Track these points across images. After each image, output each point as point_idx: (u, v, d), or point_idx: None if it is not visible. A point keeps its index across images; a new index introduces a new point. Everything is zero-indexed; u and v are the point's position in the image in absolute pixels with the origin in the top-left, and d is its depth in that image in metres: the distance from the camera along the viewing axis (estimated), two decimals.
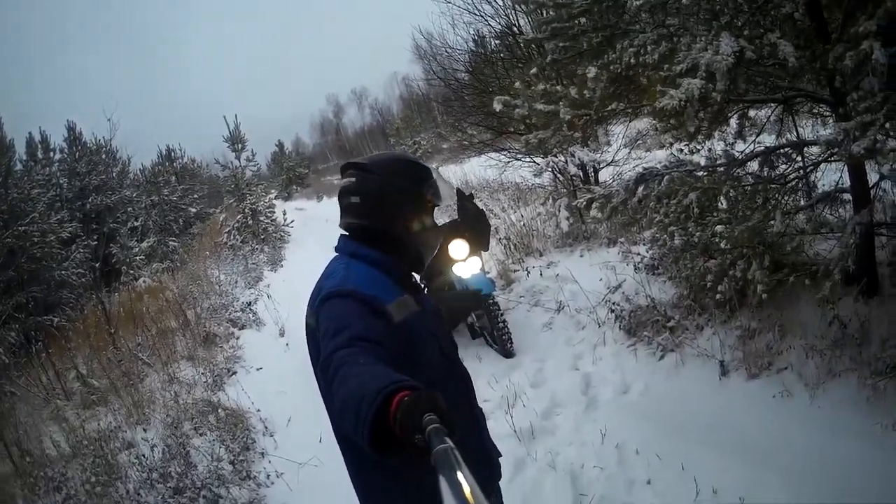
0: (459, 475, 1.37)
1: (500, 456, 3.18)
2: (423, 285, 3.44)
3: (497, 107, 6.35)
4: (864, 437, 4.47)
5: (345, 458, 2.84)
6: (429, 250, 2.95)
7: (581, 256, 9.99)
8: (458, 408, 2.77)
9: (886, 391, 4.65)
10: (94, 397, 9.72)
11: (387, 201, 2.78)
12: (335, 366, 2.15)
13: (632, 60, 5.18)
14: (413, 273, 2.95)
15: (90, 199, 28.19)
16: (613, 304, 7.51)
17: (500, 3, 13.36)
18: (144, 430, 7.92)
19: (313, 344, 2.64)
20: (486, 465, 3.02)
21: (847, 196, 5.59)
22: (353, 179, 2.81)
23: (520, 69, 13.18)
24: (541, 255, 10.75)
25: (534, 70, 6.57)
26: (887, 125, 3.93)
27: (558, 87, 6.16)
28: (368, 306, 2.50)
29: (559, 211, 11.08)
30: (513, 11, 13.19)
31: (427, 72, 18.31)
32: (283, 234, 25.16)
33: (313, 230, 24.85)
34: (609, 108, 5.87)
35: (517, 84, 6.79)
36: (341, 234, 2.92)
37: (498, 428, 5.78)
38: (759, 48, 4.33)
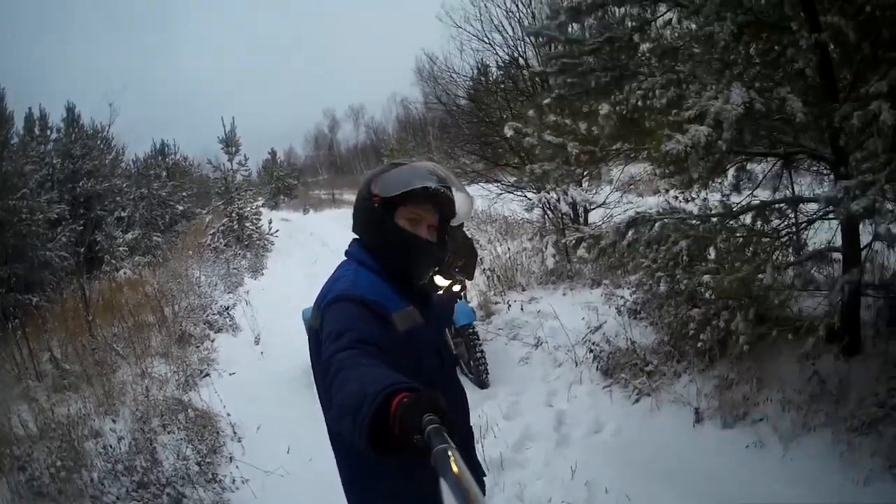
0: (460, 474, 1.38)
1: (485, 475, 3.28)
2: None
3: (508, 132, 6.38)
4: (836, 492, 4.50)
5: (339, 465, 2.83)
6: (400, 255, 2.78)
7: (564, 295, 10.02)
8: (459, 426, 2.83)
9: (861, 447, 4.68)
10: (66, 382, 9.61)
11: (356, 210, 2.84)
12: (335, 368, 2.15)
13: (639, 103, 5.22)
14: (414, 284, 2.88)
15: (81, 183, 28.04)
16: (593, 344, 7.55)
17: (510, 34, 13.46)
18: (113, 421, 7.83)
19: (315, 346, 2.67)
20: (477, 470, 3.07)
21: (837, 255, 5.64)
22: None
23: (521, 102, 13.26)
24: (523, 289, 10.78)
25: (547, 100, 6.59)
26: (887, 186, 3.98)
27: (567, 121, 6.19)
28: (374, 312, 2.51)
29: (546, 248, 11.11)
30: (521, 42, 13.27)
31: (426, 95, 18.41)
32: (266, 242, 25.04)
33: (298, 242, 24.90)
34: (614, 147, 5.91)
35: (530, 112, 6.82)
36: (353, 239, 2.92)
37: None
38: (769, 101, 4.37)
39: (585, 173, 7.97)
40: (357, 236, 2.91)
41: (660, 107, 5.03)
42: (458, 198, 2.87)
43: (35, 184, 22.87)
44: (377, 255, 2.79)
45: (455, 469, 1.41)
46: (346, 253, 2.89)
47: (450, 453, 1.47)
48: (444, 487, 1.37)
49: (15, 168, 20.78)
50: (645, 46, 5.13)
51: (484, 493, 3.14)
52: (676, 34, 5.48)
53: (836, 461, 4.74)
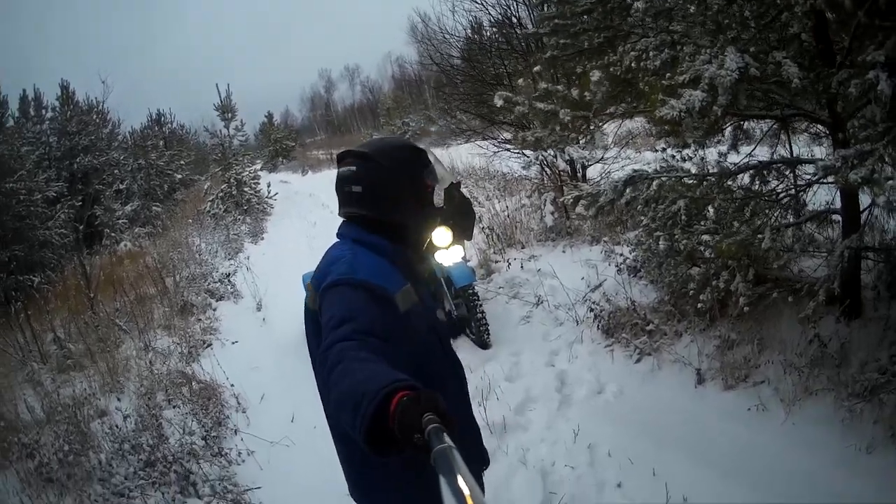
0: (459, 475, 1.38)
1: (487, 466, 3.21)
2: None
3: (498, 102, 6.31)
4: (838, 458, 4.50)
5: (338, 451, 2.84)
6: (428, 234, 2.96)
7: (563, 252, 9.97)
8: (458, 401, 2.88)
9: (862, 414, 4.67)
10: (70, 362, 9.67)
11: (391, 190, 2.74)
12: (334, 359, 2.12)
13: (633, 64, 5.16)
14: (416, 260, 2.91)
15: (78, 160, 28.08)
16: (593, 303, 7.52)
17: None
18: (118, 399, 7.90)
19: (312, 327, 2.67)
20: (477, 460, 3.05)
21: (837, 217, 5.61)
22: (354, 168, 2.75)
23: (515, 59, 13.17)
24: (523, 247, 10.74)
25: (537, 68, 6.53)
26: (886, 156, 3.93)
27: (559, 87, 6.14)
28: (376, 296, 2.48)
29: (544, 205, 11.06)
30: (513, 2, 13.15)
31: (421, 54, 18.26)
32: (265, 206, 25.04)
33: (296, 204, 24.81)
34: (608, 111, 5.86)
35: (520, 81, 6.78)
36: (343, 221, 2.88)
37: None
38: (764, 66, 4.32)
39: (581, 137, 7.87)
40: (347, 218, 2.87)
41: (654, 68, 4.97)
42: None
43: (32, 164, 22.91)
44: (408, 234, 2.82)
45: (455, 469, 1.40)
46: (339, 234, 2.85)
47: (450, 453, 1.47)
48: (445, 487, 1.37)
49: (11, 151, 20.78)
50: (638, 5, 5.06)
51: (483, 490, 3.17)
52: None
53: (837, 427, 4.73)
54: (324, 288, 2.54)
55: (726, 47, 4.24)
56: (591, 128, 6.34)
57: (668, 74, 4.75)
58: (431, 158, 2.92)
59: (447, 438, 1.53)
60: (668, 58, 4.86)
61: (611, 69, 5.51)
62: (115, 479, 6.13)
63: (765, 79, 4.56)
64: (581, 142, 8.53)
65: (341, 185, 2.81)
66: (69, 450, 6.53)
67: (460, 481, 1.36)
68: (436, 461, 1.47)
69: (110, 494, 5.95)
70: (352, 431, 1.84)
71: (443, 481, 1.39)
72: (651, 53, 5.00)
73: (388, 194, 2.73)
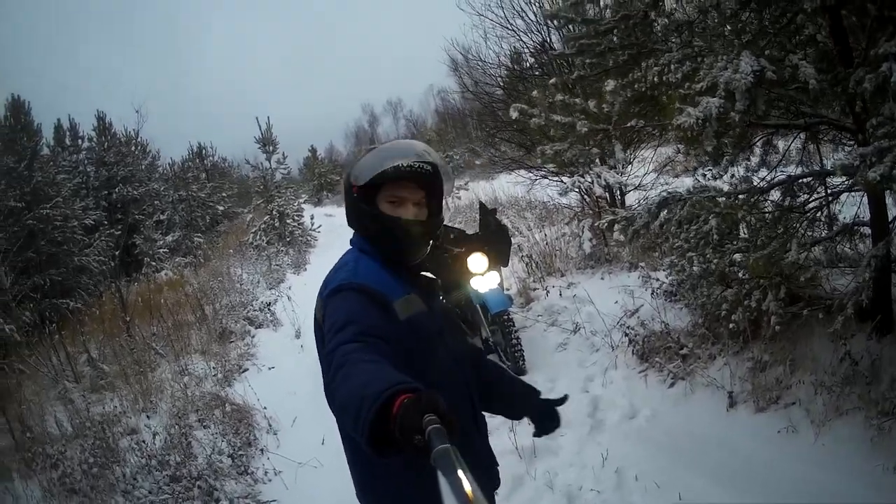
0: (460, 475, 1.39)
1: (497, 465, 3.14)
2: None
3: (513, 114, 6.29)
4: (865, 478, 4.37)
5: (345, 451, 2.83)
6: (388, 239, 2.73)
7: (602, 279, 9.89)
8: (460, 412, 2.76)
9: (891, 432, 4.54)
10: (103, 382, 9.79)
11: (345, 202, 2.83)
12: (338, 362, 2.14)
13: (656, 79, 5.12)
14: (422, 270, 2.86)
15: (117, 189, 28.54)
16: (628, 328, 7.44)
17: (533, 19, 13.32)
18: (148, 418, 7.99)
19: (320, 335, 2.64)
20: (485, 472, 2.97)
21: (867, 230, 5.48)
22: None
23: (540, 86, 13.18)
24: (562, 275, 10.67)
25: (553, 80, 6.48)
26: None
27: (577, 100, 6.08)
28: (375, 301, 2.49)
29: (582, 232, 11.01)
30: (545, 28, 13.13)
31: (461, 85, 18.31)
32: (309, 238, 25.26)
33: (340, 236, 24.92)
34: (628, 124, 5.80)
35: (534, 93, 6.71)
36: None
37: (500, 445, 5.73)
38: (781, 69, 4.24)
39: (603, 152, 7.83)
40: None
41: (675, 81, 4.92)
42: (441, 169, 2.82)
43: (69, 192, 23.35)
44: (370, 242, 2.76)
45: (455, 469, 1.41)
46: (350, 241, 2.86)
47: (450, 454, 1.47)
48: (445, 488, 1.37)
49: (46, 178, 21.09)
50: (660, 22, 5.01)
51: (498, 485, 3.11)
52: (689, 7, 5.35)
53: (866, 446, 4.60)
54: (327, 295, 2.58)
55: (741, 52, 4.16)
56: (612, 142, 6.26)
57: (687, 84, 4.68)
58: (364, 154, 2.78)
59: (448, 440, 1.53)
60: (689, 70, 4.81)
61: (636, 86, 5.45)
62: (138, 492, 6.19)
63: (783, 83, 4.48)
64: (604, 158, 8.47)
65: None
66: (94, 462, 6.61)
67: (461, 481, 1.37)
68: (436, 462, 1.47)
69: None
70: (354, 433, 1.85)
71: (442, 481, 1.39)
72: (673, 67, 4.95)
73: (345, 205, 2.82)
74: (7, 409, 8.37)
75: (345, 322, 2.34)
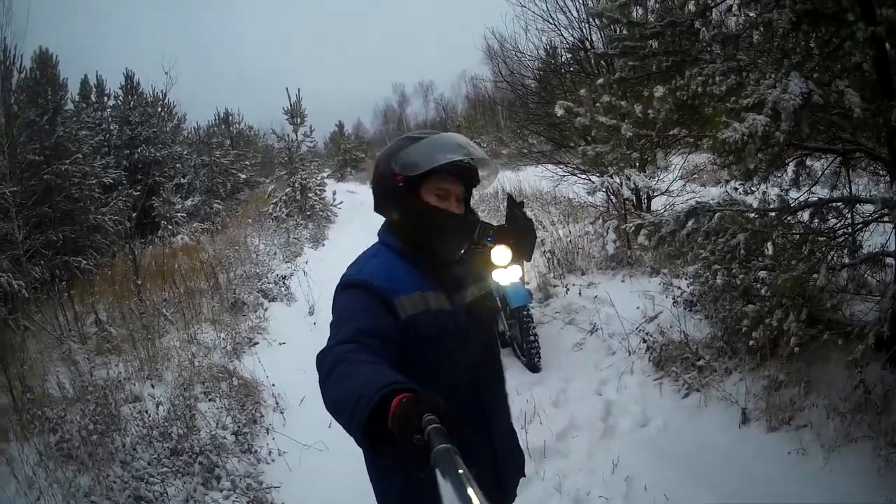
0: (459, 475, 1.38)
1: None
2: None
3: (559, 111, 6.26)
4: None
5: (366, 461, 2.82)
6: (417, 228, 2.71)
7: (622, 281, 9.84)
8: (468, 416, 2.71)
9: None
10: (110, 345, 9.73)
11: (377, 188, 2.78)
12: (332, 361, 2.14)
13: (699, 89, 5.08)
14: (448, 261, 2.81)
15: (139, 150, 28.54)
16: (647, 334, 7.42)
17: (575, 15, 13.25)
18: (153, 386, 7.97)
19: None
20: (492, 480, 2.88)
21: (891, 261, 5.44)
22: None
23: (587, 82, 13.10)
24: (583, 273, 10.62)
25: (601, 80, 6.45)
26: None
27: (623, 103, 6.05)
28: (377, 298, 2.48)
29: (607, 232, 10.95)
30: (586, 25, 13.07)
31: (495, 74, 18.26)
32: (329, 213, 25.24)
33: (361, 213, 24.94)
34: (671, 132, 5.77)
35: (582, 91, 6.68)
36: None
37: None
38: (827, 94, 4.20)
39: (643, 157, 7.79)
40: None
41: (719, 94, 4.89)
42: (485, 165, 2.84)
43: (90, 149, 23.29)
44: (404, 234, 2.74)
45: (456, 470, 1.41)
46: (378, 234, 2.84)
47: (450, 454, 1.47)
48: (445, 488, 1.37)
49: (69, 133, 21.09)
50: (706, 32, 4.98)
51: (524, 474, 3.17)
52: (738, 22, 5.30)
53: (873, 477, 4.57)
54: (336, 289, 2.61)
55: (790, 73, 4.13)
56: (654, 150, 6.23)
57: (733, 98, 4.65)
58: (408, 145, 2.73)
59: (448, 439, 1.54)
60: (733, 83, 4.78)
61: (678, 94, 5.41)
62: (137, 462, 6.13)
63: (827, 108, 4.45)
64: (644, 164, 8.42)
65: None
66: (94, 429, 6.54)
67: (461, 481, 1.36)
68: (436, 461, 1.47)
69: (130, 478, 5.92)
70: (349, 431, 1.86)
71: (441, 482, 1.39)
72: (717, 79, 4.92)
73: (376, 192, 2.79)
74: (9, 368, 8.31)
75: (345, 320, 2.38)
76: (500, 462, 2.91)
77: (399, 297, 2.53)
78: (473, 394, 2.79)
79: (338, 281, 2.66)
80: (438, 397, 1.71)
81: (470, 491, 1.32)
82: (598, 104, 6.32)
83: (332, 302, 2.58)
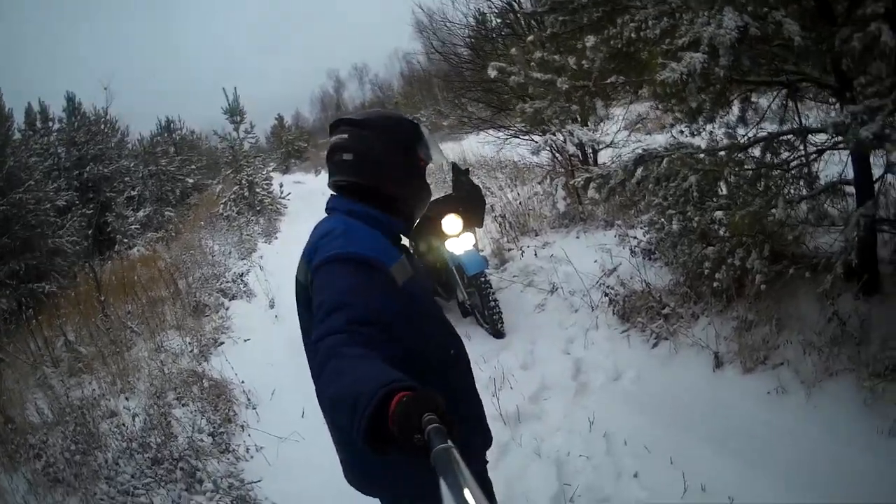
0: (459, 475, 1.37)
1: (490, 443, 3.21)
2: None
3: (492, 73, 6.18)
4: (860, 442, 4.33)
5: (333, 437, 2.88)
6: (419, 209, 2.94)
7: (577, 238, 9.84)
8: (463, 373, 2.94)
9: (885, 394, 4.47)
10: (81, 364, 9.67)
11: (381, 158, 2.73)
12: (325, 353, 2.09)
13: (633, 35, 5.02)
14: (403, 233, 2.91)
15: (88, 168, 28.59)
16: (608, 287, 7.39)
17: None
18: (126, 399, 7.87)
19: (304, 301, 2.64)
20: (481, 433, 3.08)
21: (850, 189, 5.43)
22: (346, 136, 2.76)
23: (518, 43, 13.10)
24: (536, 234, 10.63)
25: (531, 38, 6.38)
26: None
27: (556, 57, 5.98)
28: (372, 270, 2.46)
29: (556, 191, 10.95)
30: None
31: (427, 47, 18.23)
32: (279, 206, 25.27)
33: (310, 203, 24.85)
34: (608, 80, 5.71)
35: (513, 50, 6.61)
36: (332, 194, 2.85)
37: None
38: (764, 26, 4.15)
39: (583, 109, 7.75)
40: (333, 191, 2.89)
41: (654, 38, 4.83)
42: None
43: (41, 175, 23.39)
44: (398, 206, 2.82)
45: (456, 470, 1.40)
46: (329, 208, 2.83)
47: (450, 454, 1.46)
48: (444, 488, 1.35)
49: (18, 162, 21.01)
50: None
51: (486, 473, 3.19)
52: None
53: (860, 409, 4.54)
54: (316, 265, 2.51)
55: (724, 7, 4.07)
56: (594, 99, 6.16)
57: (668, 40, 4.59)
58: (426, 135, 2.88)
59: (448, 439, 1.53)
60: (667, 26, 4.72)
61: (612, 42, 5.35)
62: (121, 477, 6.08)
63: (767, 39, 4.41)
64: (585, 116, 8.40)
65: (332, 153, 2.80)
66: (76, 449, 6.51)
67: (462, 481, 1.35)
68: (435, 461, 1.46)
69: (116, 493, 5.88)
70: (349, 430, 1.80)
71: (442, 482, 1.38)
72: (650, 23, 4.86)
73: (382, 162, 2.73)
74: None
75: (335, 304, 2.27)
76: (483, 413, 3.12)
77: (390, 265, 2.55)
78: (461, 349, 2.99)
79: (294, 271, 2.70)
80: (437, 395, 1.68)
81: (469, 491, 1.31)
82: (531, 62, 6.24)
83: (317, 280, 2.49)
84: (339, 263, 2.43)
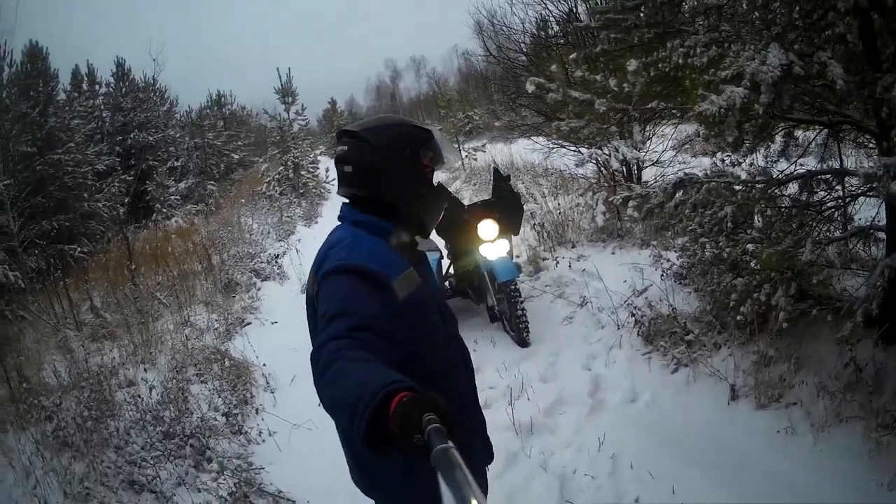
0: (459, 476, 1.37)
1: (491, 460, 3.23)
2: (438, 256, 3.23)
3: (530, 88, 6.17)
4: (860, 492, 4.26)
5: (340, 438, 2.90)
6: (431, 214, 2.90)
7: (612, 254, 9.84)
8: (464, 384, 2.91)
9: (889, 447, 4.41)
10: (105, 331, 9.76)
11: (378, 169, 2.71)
12: (327, 358, 2.07)
13: (680, 61, 4.99)
14: (417, 240, 2.87)
15: (132, 135, 28.67)
16: (635, 308, 7.36)
17: None
18: (146, 371, 7.95)
19: (312, 312, 2.66)
20: (482, 446, 3.09)
21: (882, 235, 5.36)
22: (346, 147, 2.75)
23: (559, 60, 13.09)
24: (573, 246, 10.62)
25: (573, 55, 6.38)
26: None
27: (597, 77, 5.97)
28: (374, 282, 2.45)
29: (596, 204, 10.91)
30: None
31: (484, 50, 18.23)
32: (323, 190, 25.32)
33: None
34: (649, 105, 5.69)
35: (553, 67, 6.60)
36: (343, 202, 2.87)
37: (497, 419, 5.71)
38: (809, 66, 4.11)
39: (622, 131, 7.74)
40: (345, 199, 2.89)
41: (700, 65, 4.80)
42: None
43: (82, 137, 23.52)
44: (403, 213, 2.79)
45: (456, 470, 1.39)
46: (340, 217, 2.84)
47: (450, 454, 1.45)
48: (444, 488, 1.35)
49: (61, 123, 21.16)
50: (688, 2, 4.89)
51: (486, 486, 3.15)
52: None
53: (864, 459, 4.47)
54: (321, 275, 2.54)
55: (770, 44, 4.04)
56: (632, 123, 6.14)
57: (712, 70, 4.56)
58: (437, 137, 2.83)
59: (447, 439, 1.52)
60: (714, 55, 4.68)
61: (660, 65, 5.33)
62: (131, 447, 6.16)
63: (810, 79, 4.36)
64: (622, 137, 8.37)
65: (336, 164, 2.81)
66: (89, 415, 6.58)
67: (462, 482, 1.34)
68: (435, 461, 1.45)
69: (123, 462, 5.95)
70: (350, 431, 1.81)
71: (442, 482, 1.37)
72: (699, 50, 4.83)
73: (379, 171, 2.72)
74: (5, 359, 8.34)
75: (337, 312, 2.29)
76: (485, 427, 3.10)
77: (394, 279, 2.53)
78: (464, 362, 2.97)
79: (315, 263, 2.69)
80: (438, 396, 1.69)
81: (470, 492, 1.31)
82: (572, 80, 6.23)
83: (317, 288, 2.55)
84: (341, 274, 2.46)
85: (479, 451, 3.02)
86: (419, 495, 2.44)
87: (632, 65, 5.28)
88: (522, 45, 15.47)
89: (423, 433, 1.56)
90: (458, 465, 1.40)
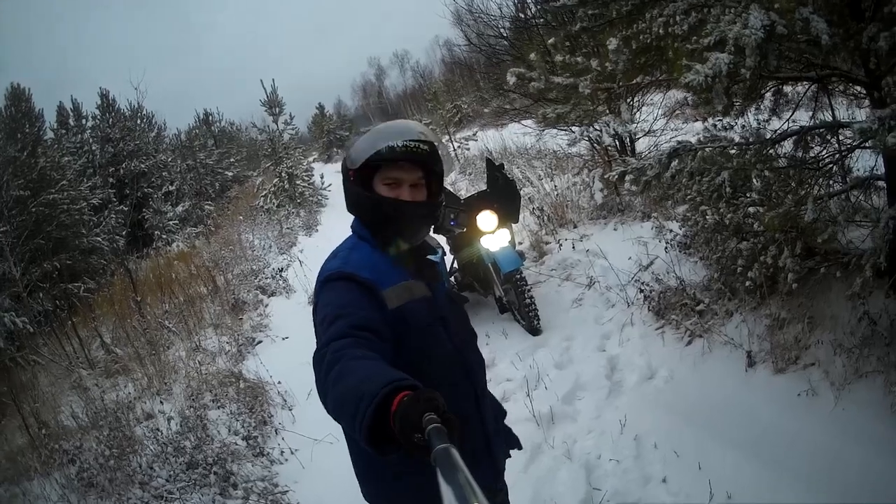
0: (459, 475, 1.37)
1: (520, 448, 3.26)
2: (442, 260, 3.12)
3: (510, 80, 6.11)
4: (886, 447, 4.18)
5: (349, 448, 2.89)
6: (389, 223, 2.69)
7: (615, 230, 9.81)
8: (463, 396, 2.80)
9: None
10: (118, 366, 9.77)
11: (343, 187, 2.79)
12: (329, 359, 2.09)
13: (661, 31, 4.90)
14: (425, 247, 2.87)
15: (123, 165, 28.79)
16: (643, 283, 7.32)
17: None
18: (162, 402, 7.96)
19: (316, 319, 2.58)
20: (486, 469, 2.93)
21: (882, 184, 5.27)
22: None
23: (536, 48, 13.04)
24: (574, 226, 10.60)
25: (552, 40, 6.29)
26: None
27: (578, 59, 5.88)
28: (366, 290, 2.47)
29: (593, 182, 10.87)
30: None
31: (464, 38, 18.21)
32: (320, 197, 25.34)
33: None
34: (635, 80, 5.61)
35: (532, 55, 6.51)
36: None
37: (517, 411, 5.67)
38: (791, 23, 4.03)
39: (610, 110, 7.68)
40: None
41: (682, 34, 4.71)
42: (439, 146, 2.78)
43: (74, 173, 23.72)
44: (370, 228, 2.73)
45: (455, 470, 1.40)
46: (351, 227, 2.83)
47: (450, 454, 1.46)
48: (444, 488, 1.35)
49: (51, 162, 21.21)
50: None
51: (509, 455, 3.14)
52: None
53: (887, 413, 4.38)
54: (319, 284, 2.59)
55: (749, 6, 3.96)
56: (618, 101, 6.07)
57: (694, 38, 4.48)
58: (353, 138, 2.82)
59: (448, 439, 1.53)
60: (695, 21, 4.59)
61: (641, 37, 5.24)
62: (155, 481, 6.16)
63: (794, 37, 4.28)
64: (625, 111, 8.30)
65: None
66: (110, 454, 6.57)
67: (461, 482, 1.35)
68: (436, 461, 1.45)
69: (150, 497, 5.97)
70: (352, 431, 1.84)
71: (441, 481, 1.37)
72: (678, 18, 4.74)
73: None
74: (22, 406, 8.38)
75: (335, 315, 2.31)
76: (492, 444, 2.94)
77: (385, 289, 2.53)
78: (465, 378, 2.83)
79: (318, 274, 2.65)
80: (438, 395, 1.68)
81: (470, 492, 1.30)
82: (553, 65, 6.15)
83: (315, 299, 2.58)
84: (336, 281, 2.49)
85: (484, 468, 2.90)
86: (413, 499, 2.50)
87: (612, 43, 5.20)
88: (502, 30, 15.38)
89: (424, 433, 1.56)
90: (458, 465, 1.40)
